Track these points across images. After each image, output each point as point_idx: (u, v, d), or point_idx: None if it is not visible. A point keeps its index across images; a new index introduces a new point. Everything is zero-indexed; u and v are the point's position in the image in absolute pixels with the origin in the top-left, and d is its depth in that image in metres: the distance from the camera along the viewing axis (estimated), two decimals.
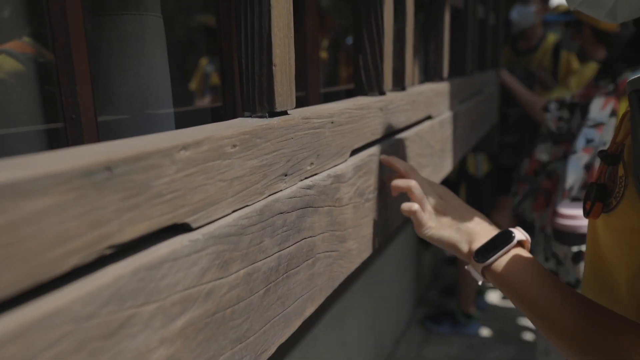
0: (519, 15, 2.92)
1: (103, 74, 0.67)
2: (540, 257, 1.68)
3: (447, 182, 3.02)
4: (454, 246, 0.74)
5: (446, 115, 1.51)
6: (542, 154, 1.80)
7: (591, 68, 2.68)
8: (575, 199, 1.50)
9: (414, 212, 0.77)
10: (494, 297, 3.20)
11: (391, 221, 0.97)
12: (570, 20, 2.85)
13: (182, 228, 0.43)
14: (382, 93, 1.00)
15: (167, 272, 0.40)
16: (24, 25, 0.68)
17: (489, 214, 2.96)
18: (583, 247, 1.39)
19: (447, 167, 1.53)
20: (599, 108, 1.59)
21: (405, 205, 0.77)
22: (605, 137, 1.52)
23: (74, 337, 0.31)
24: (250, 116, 0.61)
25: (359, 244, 0.82)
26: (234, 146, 0.50)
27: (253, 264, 0.52)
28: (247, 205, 0.52)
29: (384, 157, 0.87)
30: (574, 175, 1.52)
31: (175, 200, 0.42)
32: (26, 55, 0.68)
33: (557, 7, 3.45)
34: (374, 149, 0.87)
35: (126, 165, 0.37)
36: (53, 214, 0.31)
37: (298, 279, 0.62)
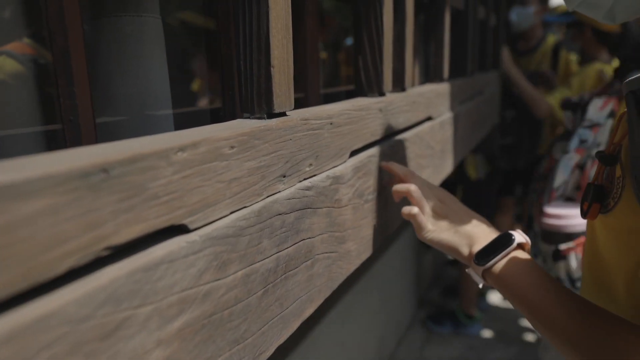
0: (518, 16, 2.92)
1: (102, 75, 0.67)
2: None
3: (446, 183, 3.02)
4: (454, 249, 0.74)
5: (446, 116, 1.51)
6: (559, 152, 1.80)
7: (593, 69, 2.68)
8: (569, 199, 1.50)
9: (413, 216, 0.77)
10: (495, 298, 3.19)
11: (391, 222, 0.97)
12: (572, 22, 2.85)
13: (179, 229, 0.43)
14: (381, 94, 1.00)
15: (163, 274, 0.40)
16: (24, 27, 0.68)
17: (490, 216, 2.96)
18: (562, 246, 1.39)
19: (447, 168, 1.53)
20: (598, 108, 1.59)
21: (405, 209, 0.78)
22: (599, 138, 1.52)
23: (69, 339, 0.31)
24: (249, 117, 0.61)
25: (358, 245, 0.82)
26: (232, 147, 0.50)
27: (251, 265, 0.52)
28: (245, 207, 0.52)
29: (383, 163, 0.87)
30: (562, 176, 1.52)
31: (172, 202, 0.42)
32: (27, 56, 0.68)
33: (557, 8, 3.45)
34: (374, 150, 0.87)
35: (122, 167, 0.37)
36: (49, 216, 0.31)
37: (297, 280, 0.62)
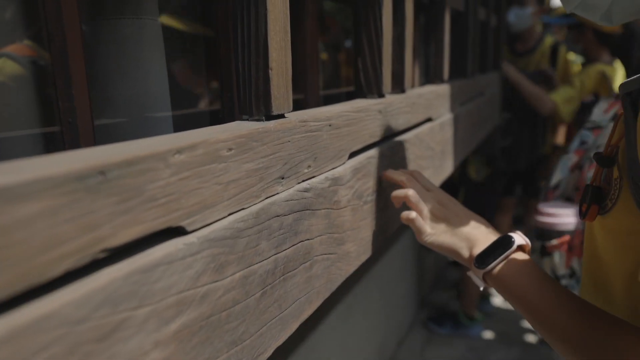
0: (516, 17, 2.92)
1: (101, 77, 0.68)
2: None
3: (449, 185, 3.03)
4: (454, 252, 0.74)
5: (447, 117, 1.51)
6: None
7: (594, 69, 2.68)
8: (569, 199, 1.50)
9: (411, 220, 0.78)
10: (496, 299, 3.19)
11: (391, 223, 0.97)
12: (573, 23, 2.85)
13: (177, 231, 0.43)
14: (381, 95, 1.00)
15: (161, 276, 0.40)
16: (24, 28, 0.68)
17: (492, 218, 2.96)
18: (547, 243, 1.39)
19: (447, 169, 1.53)
20: (602, 111, 1.59)
21: (404, 214, 0.79)
22: (599, 140, 1.52)
23: (66, 341, 0.32)
24: (247, 119, 0.61)
25: (357, 246, 0.82)
26: (230, 149, 0.50)
27: (249, 266, 0.52)
28: (243, 209, 0.52)
29: (384, 173, 0.87)
30: (559, 176, 1.52)
31: (170, 204, 0.42)
32: (27, 58, 0.69)
33: (557, 9, 3.45)
34: (373, 152, 0.87)
35: (120, 170, 0.37)
36: (46, 218, 0.31)
37: (295, 281, 0.62)
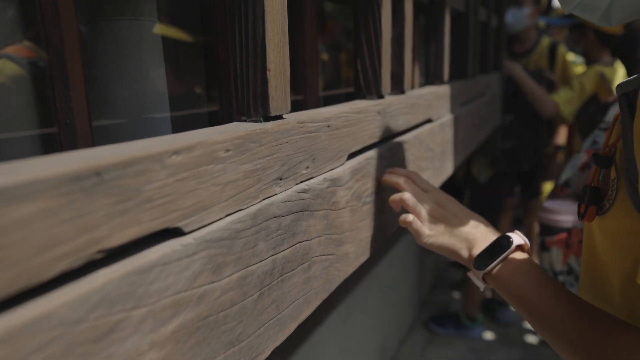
0: (514, 17, 2.92)
1: (100, 78, 0.68)
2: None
3: (453, 186, 3.03)
4: (453, 252, 0.75)
5: (447, 118, 1.51)
6: None
7: (594, 71, 2.68)
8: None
9: (409, 223, 0.78)
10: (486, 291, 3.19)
11: (390, 224, 0.97)
12: (574, 24, 2.85)
13: (173, 232, 0.44)
14: (380, 96, 1.00)
15: (157, 277, 0.40)
16: (24, 29, 0.68)
17: (496, 218, 2.96)
18: (547, 238, 1.40)
19: (448, 170, 1.53)
20: (616, 112, 1.59)
21: (402, 217, 0.79)
22: None
23: (62, 341, 0.32)
24: (245, 120, 0.61)
25: (356, 247, 0.82)
26: (227, 151, 0.50)
27: (247, 267, 0.52)
28: (240, 209, 0.52)
29: (383, 177, 0.87)
30: (568, 173, 1.53)
31: (167, 205, 0.42)
32: (27, 59, 0.69)
33: (557, 10, 3.45)
34: (372, 153, 0.87)
35: (116, 171, 0.37)
36: (42, 219, 0.31)
37: (293, 282, 0.62)
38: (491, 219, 2.87)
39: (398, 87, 1.14)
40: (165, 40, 0.73)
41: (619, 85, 0.56)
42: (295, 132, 0.63)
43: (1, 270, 0.29)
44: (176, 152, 0.43)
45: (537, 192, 3.24)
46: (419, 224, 0.77)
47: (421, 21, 1.83)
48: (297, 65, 1.03)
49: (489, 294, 3.04)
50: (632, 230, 0.54)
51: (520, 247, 0.70)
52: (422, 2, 1.58)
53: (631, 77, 0.55)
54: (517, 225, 3.78)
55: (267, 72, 0.59)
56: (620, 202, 0.55)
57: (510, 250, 0.68)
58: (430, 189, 0.82)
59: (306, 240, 0.65)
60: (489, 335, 2.88)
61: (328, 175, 0.71)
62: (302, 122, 0.65)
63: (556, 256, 1.35)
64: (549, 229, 1.41)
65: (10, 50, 0.69)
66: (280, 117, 0.63)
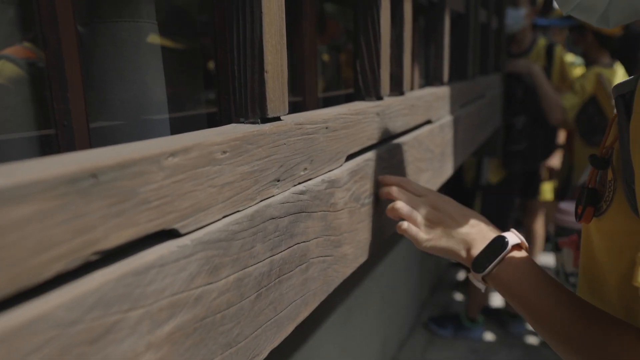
0: (510, 18, 2.93)
1: (99, 80, 0.68)
2: None
3: (462, 190, 3.03)
4: (453, 254, 0.75)
5: (446, 119, 1.51)
6: None
7: (593, 72, 2.68)
8: None
9: (404, 231, 0.78)
10: (498, 301, 3.18)
11: (389, 225, 0.97)
12: (573, 25, 2.86)
13: (170, 234, 0.44)
14: (379, 98, 1.00)
15: (154, 278, 0.40)
16: (23, 30, 0.69)
17: (508, 220, 2.98)
18: (560, 239, 1.40)
19: (447, 171, 1.53)
20: None
21: (397, 225, 0.80)
22: None
23: (58, 343, 0.32)
24: (243, 122, 0.61)
25: (355, 249, 0.82)
26: (225, 152, 0.50)
27: (244, 269, 0.52)
28: (238, 211, 0.52)
29: (379, 192, 0.87)
30: (585, 175, 1.54)
31: (163, 207, 0.42)
32: (26, 60, 0.69)
33: (557, 11, 3.45)
34: (371, 154, 0.87)
35: (112, 172, 0.37)
36: (38, 221, 0.31)
37: (291, 284, 0.62)
38: (504, 220, 2.90)
39: (397, 88, 1.14)
40: (164, 42, 0.73)
41: (616, 87, 0.56)
42: (293, 134, 0.63)
43: None
44: (173, 154, 0.43)
45: (535, 192, 3.25)
46: (415, 230, 0.77)
47: (421, 22, 1.83)
48: (296, 66, 1.03)
49: (502, 304, 3.05)
50: (629, 231, 0.54)
51: (518, 246, 0.70)
52: (421, 4, 1.59)
53: (627, 79, 0.55)
54: (517, 226, 3.78)
55: (265, 73, 0.59)
56: (617, 203, 0.56)
57: (506, 251, 0.68)
58: (424, 193, 0.81)
59: (304, 242, 0.65)
60: (489, 336, 2.88)
61: (326, 176, 0.71)
62: (300, 124, 0.65)
63: (567, 257, 1.36)
64: (563, 230, 1.42)
65: (9, 51, 0.69)
66: (278, 118, 0.63)
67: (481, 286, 0.72)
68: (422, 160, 1.19)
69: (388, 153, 0.95)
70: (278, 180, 0.60)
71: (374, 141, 0.91)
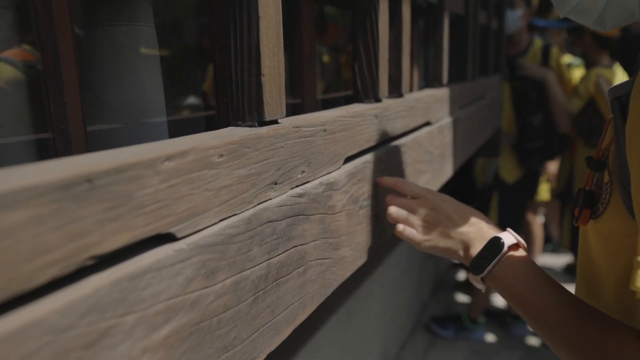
0: (507, 20, 2.94)
1: (96, 83, 0.68)
2: None
3: (472, 192, 3.04)
4: (451, 254, 0.75)
5: (446, 121, 1.51)
6: None
7: (594, 73, 2.68)
8: None
9: (400, 234, 0.79)
10: (500, 302, 3.18)
11: (388, 227, 0.97)
12: (571, 27, 2.86)
13: (166, 238, 0.44)
14: (377, 100, 1.00)
15: (150, 282, 0.40)
16: (22, 33, 0.69)
17: (523, 219, 2.99)
18: None
19: (447, 172, 1.53)
20: None
21: (395, 228, 0.80)
22: None
23: (52, 348, 0.32)
24: (240, 125, 0.61)
25: (353, 251, 0.82)
26: (221, 156, 0.50)
27: (240, 272, 0.52)
28: (234, 215, 0.53)
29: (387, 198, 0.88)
30: None
31: (159, 211, 0.42)
32: (25, 62, 0.69)
33: (555, 13, 3.45)
34: (369, 156, 0.87)
35: (108, 177, 0.37)
36: (32, 227, 0.31)
37: (288, 286, 0.62)
38: (519, 219, 2.92)
39: (396, 90, 1.14)
40: (162, 45, 0.73)
41: (611, 89, 0.56)
42: (290, 137, 0.63)
43: None
44: (169, 158, 0.43)
45: (534, 192, 3.24)
46: (411, 232, 0.78)
47: (420, 24, 1.83)
48: (295, 68, 1.03)
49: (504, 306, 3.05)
50: (626, 233, 0.54)
51: (515, 246, 0.69)
52: (421, 6, 1.59)
53: (623, 82, 0.55)
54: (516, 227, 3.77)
55: (262, 77, 0.59)
56: (613, 205, 0.56)
57: (502, 252, 0.68)
58: (420, 194, 0.81)
59: (302, 245, 0.65)
60: (490, 337, 2.88)
61: (324, 179, 0.71)
62: (298, 127, 0.65)
63: None
64: None
65: (8, 53, 0.69)
66: (275, 121, 0.63)
67: (481, 286, 0.72)
68: (421, 162, 1.19)
69: (387, 155, 0.95)
70: (275, 184, 0.60)
71: (372, 143, 0.92)
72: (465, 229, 0.74)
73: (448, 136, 1.52)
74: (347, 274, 0.80)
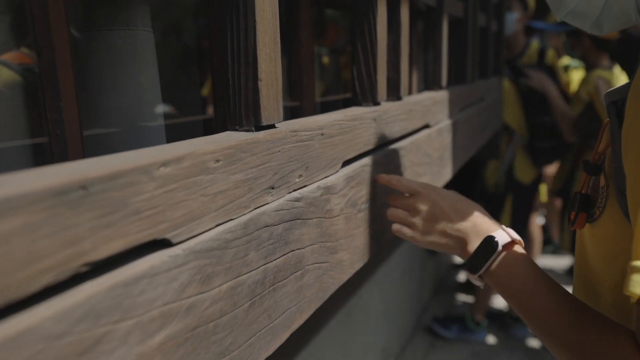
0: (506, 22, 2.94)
1: (94, 88, 0.68)
2: None
3: (481, 195, 3.04)
4: (449, 250, 0.76)
5: (445, 123, 1.51)
6: None
7: (594, 76, 2.68)
8: None
9: (395, 232, 0.80)
10: (499, 303, 3.18)
11: (387, 230, 0.97)
12: (570, 30, 2.86)
13: (162, 243, 0.44)
14: (376, 103, 1.00)
15: (145, 288, 0.40)
16: (21, 36, 0.69)
17: (530, 219, 3.04)
18: None
19: (446, 175, 1.53)
20: None
21: (392, 227, 0.82)
22: None
23: (45, 356, 0.32)
24: (237, 130, 0.61)
25: (351, 255, 0.82)
26: (217, 161, 0.50)
27: (237, 277, 0.52)
28: (231, 219, 0.52)
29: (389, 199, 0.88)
30: None
31: (155, 217, 0.42)
32: (23, 66, 0.69)
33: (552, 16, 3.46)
34: (367, 160, 0.87)
35: (102, 184, 0.37)
36: (24, 234, 0.31)
37: (286, 291, 0.62)
38: (527, 219, 2.95)
39: (394, 93, 1.14)
40: (160, 49, 0.73)
41: (607, 94, 0.56)
42: (287, 141, 0.63)
43: None
44: (165, 164, 0.43)
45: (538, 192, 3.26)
46: (409, 232, 0.79)
47: (419, 27, 1.83)
48: (294, 71, 1.03)
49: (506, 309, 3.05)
50: (622, 237, 0.54)
51: (511, 244, 0.69)
52: (420, 9, 1.59)
53: (619, 86, 0.55)
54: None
55: (259, 82, 0.59)
56: (610, 209, 0.55)
57: (496, 252, 0.68)
58: (415, 190, 0.80)
59: (299, 249, 0.65)
60: (491, 339, 2.87)
61: (322, 183, 0.71)
62: (295, 131, 0.65)
63: None
64: None
65: (6, 57, 0.69)
66: (272, 126, 0.63)
67: (479, 283, 0.72)
68: (420, 164, 1.19)
69: (385, 158, 0.95)
70: (272, 188, 0.60)
71: (370, 147, 0.92)
72: (461, 226, 0.74)
73: (447, 139, 1.52)
74: (345, 277, 0.80)
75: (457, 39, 1.96)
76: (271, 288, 0.59)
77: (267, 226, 0.58)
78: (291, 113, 1.06)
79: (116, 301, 0.37)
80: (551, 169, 3.44)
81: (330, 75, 1.90)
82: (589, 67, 2.81)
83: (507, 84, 2.94)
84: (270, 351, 0.59)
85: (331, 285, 0.75)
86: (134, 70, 0.70)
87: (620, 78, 2.63)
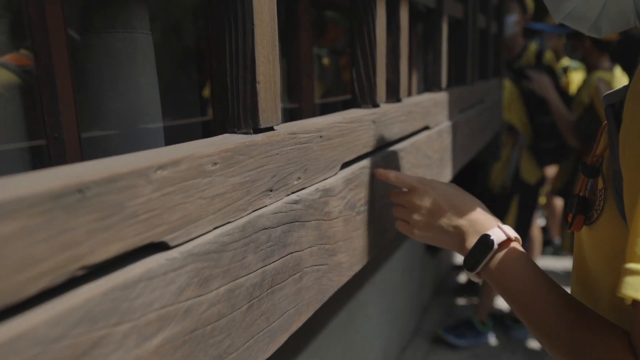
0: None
1: (93, 90, 0.68)
2: None
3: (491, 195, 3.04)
4: (448, 246, 0.77)
5: (445, 124, 1.51)
6: None
7: (594, 77, 2.68)
8: None
9: (399, 227, 0.82)
10: (499, 305, 3.18)
11: (387, 231, 0.97)
12: (570, 32, 2.86)
13: (159, 247, 0.44)
14: (375, 105, 1.00)
15: (142, 292, 0.40)
16: (20, 38, 0.69)
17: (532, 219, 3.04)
18: None
19: (446, 176, 1.53)
20: None
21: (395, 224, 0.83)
22: None
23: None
24: (235, 133, 0.61)
25: (350, 257, 0.82)
26: (215, 164, 0.50)
27: (235, 280, 0.52)
28: (229, 222, 0.52)
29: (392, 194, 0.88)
30: None
31: (152, 220, 0.42)
32: (22, 67, 0.69)
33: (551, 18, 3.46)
34: (366, 162, 0.87)
35: (99, 187, 0.37)
36: (21, 238, 0.31)
37: (284, 293, 0.62)
38: (532, 220, 2.99)
39: (394, 95, 1.14)
40: (158, 51, 0.73)
41: (605, 96, 0.56)
42: (286, 144, 0.63)
43: None
44: (162, 167, 0.43)
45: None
46: (408, 228, 0.80)
47: (419, 29, 1.83)
48: (293, 73, 1.03)
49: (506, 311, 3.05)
50: (620, 239, 0.54)
51: (507, 242, 0.69)
52: (419, 10, 1.59)
53: (617, 89, 0.55)
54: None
55: (257, 84, 0.59)
56: (608, 212, 0.55)
57: (492, 251, 0.68)
58: (411, 185, 0.80)
59: (297, 251, 0.65)
60: (491, 340, 2.87)
61: (320, 185, 0.71)
62: (293, 133, 0.65)
63: None
64: None
65: (6, 58, 0.69)
66: (270, 128, 0.63)
67: (477, 280, 0.73)
68: (419, 166, 1.19)
69: (384, 160, 0.95)
70: (271, 190, 0.60)
71: (369, 149, 0.92)
72: (458, 222, 0.74)
73: (447, 140, 1.52)
74: (344, 280, 0.80)
75: (457, 40, 1.96)
76: (269, 291, 0.59)
77: (265, 229, 0.58)
78: (290, 115, 1.06)
79: (113, 305, 0.37)
80: (552, 170, 3.44)
81: (330, 76, 1.90)
82: (590, 68, 2.81)
83: (509, 84, 2.94)
84: (268, 354, 0.59)
85: (330, 287, 0.75)
86: (133, 73, 0.70)
87: (621, 79, 2.63)
